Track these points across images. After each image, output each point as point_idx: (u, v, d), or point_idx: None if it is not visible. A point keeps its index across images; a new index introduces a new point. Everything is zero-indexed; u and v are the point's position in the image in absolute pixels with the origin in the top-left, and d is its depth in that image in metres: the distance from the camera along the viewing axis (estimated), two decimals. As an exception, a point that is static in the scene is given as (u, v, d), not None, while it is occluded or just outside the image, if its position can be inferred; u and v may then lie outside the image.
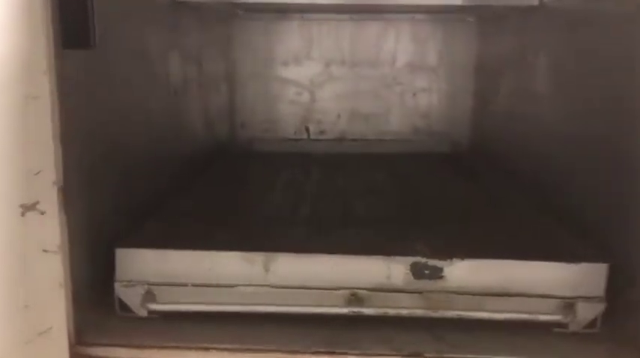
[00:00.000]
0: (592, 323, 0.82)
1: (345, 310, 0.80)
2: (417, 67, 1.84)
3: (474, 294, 0.81)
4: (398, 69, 1.84)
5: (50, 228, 0.69)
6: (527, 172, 1.30)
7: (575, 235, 0.94)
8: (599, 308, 0.81)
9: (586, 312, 0.81)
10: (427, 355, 0.77)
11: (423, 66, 1.84)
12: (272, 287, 0.82)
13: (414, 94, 1.85)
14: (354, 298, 0.81)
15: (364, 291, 0.81)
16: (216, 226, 0.96)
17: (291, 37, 1.82)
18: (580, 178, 1.04)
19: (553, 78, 1.21)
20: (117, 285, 0.82)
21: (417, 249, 0.85)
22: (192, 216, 1.02)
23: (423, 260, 0.81)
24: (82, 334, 0.77)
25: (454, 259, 0.81)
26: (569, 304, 0.81)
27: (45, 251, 0.69)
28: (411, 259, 0.82)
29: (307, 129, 1.87)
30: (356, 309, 0.80)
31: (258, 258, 0.81)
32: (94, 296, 0.84)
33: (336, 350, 0.76)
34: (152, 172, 1.10)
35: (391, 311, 0.80)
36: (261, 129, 1.87)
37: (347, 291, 0.81)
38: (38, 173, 0.68)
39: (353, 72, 1.84)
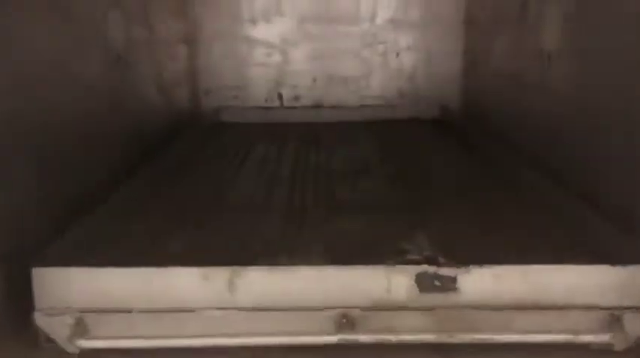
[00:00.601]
0: (640, 338, 0.65)
1: (334, 338, 0.62)
2: (401, 23, 1.65)
3: (496, 309, 0.64)
4: (379, 26, 1.65)
5: None
6: (531, 143, 1.13)
7: (603, 219, 0.77)
8: (650, 320, 0.64)
9: (635, 326, 0.64)
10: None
11: (406, 22, 1.65)
12: (241, 310, 0.63)
13: (398, 54, 1.66)
14: (346, 321, 0.63)
15: (358, 311, 0.63)
16: (168, 228, 0.77)
17: (258, -10, 1.61)
18: (601, 153, 0.87)
19: (565, 34, 1.03)
20: (37, 315, 0.63)
21: (423, 252, 0.67)
22: (138, 214, 0.83)
23: (432, 268, 0.64)
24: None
25: (471, 266, 0.64)
26: (615, 317, 0.64)
27: None
28: (416, 268, 0.64)
29: (280, 96, 1.68)
30: (349, 336, 0.62)
31: (221, 273, 0.63)
32: (14, 328, 0.65)
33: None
34: (89, 157, 0.90)
35: (393, 338, 0.63)
36: (229, 97, 1.67)
37: (336, 312, 0.63)
38: None
39: (330, 29, 1.64)
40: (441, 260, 0.66)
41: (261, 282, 0.63)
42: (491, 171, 1.07)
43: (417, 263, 0.65)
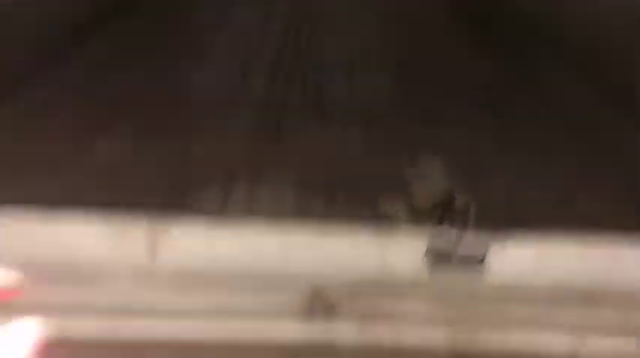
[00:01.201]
0: None
1: (301, 327, 0.43)
2: None
3: (535, 300, 0.44)
4: None
5: None
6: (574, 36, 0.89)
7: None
8: None
9: None
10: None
11: None
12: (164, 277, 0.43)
13: None
14: (321, 303, 0.43)
15: (338, 290, 0.43)
16: (95, 128, 0.56)
17: None
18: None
19: None
20: None
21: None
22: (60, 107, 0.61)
23: (451, 233, 0.43)
24: None
25: (507, 234, 0.43)
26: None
27: None
28: (427, 231, 0.43)
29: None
30: (322, 327, 0.43)
31: (135, 230, 0.42)
32: None
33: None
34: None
35: (387, 334, 0.43)
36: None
37: (307, 290, 0.43)
38: None
39: None
40: (458, 203, 0.46)
41: (192, 240, 0.43)
42: (525, 72, 0.85)
43: (430, 212, 0.45)
